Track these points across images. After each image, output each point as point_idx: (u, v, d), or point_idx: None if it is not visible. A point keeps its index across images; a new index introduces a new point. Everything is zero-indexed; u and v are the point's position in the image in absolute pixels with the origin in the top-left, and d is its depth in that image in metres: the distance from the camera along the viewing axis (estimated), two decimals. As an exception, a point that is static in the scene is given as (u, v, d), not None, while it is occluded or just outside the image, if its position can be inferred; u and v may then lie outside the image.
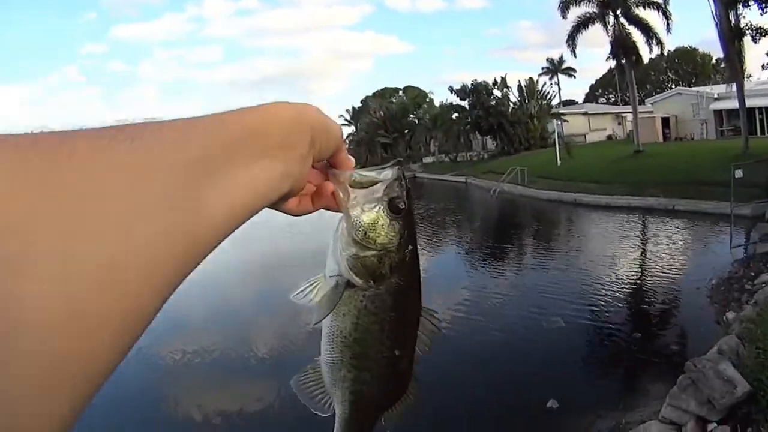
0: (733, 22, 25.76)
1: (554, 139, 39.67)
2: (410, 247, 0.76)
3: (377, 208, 0.72)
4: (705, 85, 52.88)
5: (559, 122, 49.36)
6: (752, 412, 5.74)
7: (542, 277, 14.53)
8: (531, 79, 55.94)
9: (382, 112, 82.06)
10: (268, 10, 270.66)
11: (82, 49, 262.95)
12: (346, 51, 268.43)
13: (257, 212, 0.56)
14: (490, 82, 54.86)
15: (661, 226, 19.82)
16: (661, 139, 45.21)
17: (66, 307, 0.35)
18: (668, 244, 16.49)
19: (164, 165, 0.43)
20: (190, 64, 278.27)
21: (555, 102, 60.04)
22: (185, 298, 12.24)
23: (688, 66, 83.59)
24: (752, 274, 11.38)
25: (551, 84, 62.00)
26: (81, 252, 0.36)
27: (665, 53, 40.23)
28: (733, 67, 27.74)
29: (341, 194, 0.72)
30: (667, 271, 13.61)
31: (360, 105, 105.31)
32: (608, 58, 34.79)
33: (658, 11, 31.43)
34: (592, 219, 23.47)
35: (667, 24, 31.31)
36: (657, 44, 32.61)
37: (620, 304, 11.67)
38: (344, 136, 0.73)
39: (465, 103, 56.27)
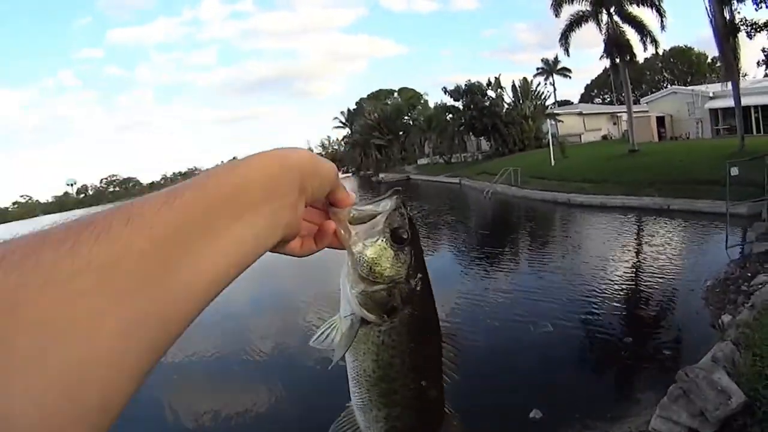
0: (728, 18, 25.32)
1: (549, 140, 39.22)
2: (419, 275, 0.76)
3: (379, 241, 0.73)
4: (701, 84, 52.63)
5: (554, 122, 48.87)
6: (748, 424, 5.32)
7: (531, 279, 14.06)
8: (525, 79, 55.63)
9: (376, 114, 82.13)
10: (263, 12, 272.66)
11: (78, 53, 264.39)
12: (341, 53, 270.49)
13: (248, 266, 0.57)
14: (485, 83, 54.55)
15: (656, 225, 19.40)
16: (656, 138, 45.04)
17: (39, 414, 0.36)
18: (662, 245, 15.99)
19: (131, 255, 0.44)
20: (186, 66, 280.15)
21: (550, 102, 59.85)
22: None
23: (683, 65, 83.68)
24: (749, 274, 10.87)
25: (545, 84, 61.74)
26: (53, 361, 0.37)
27: (660, 52, 39.95)
28: (728, 64, 27.32)
29: (343, 232, 0.73)
30: (661, 273, 13.13)
31: (355, 107, 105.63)
32: (602, 56, 34.18)
33: (652, 9, 30.97)
34: (585, 219, 23.10)
35: (662, 22, 30.89)
36: (651, 42, 31.99)
37: (611, 308, 11.15)
38: (338, 174, 0.72)
39: (459, 104, 55.86)
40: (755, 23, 23.11)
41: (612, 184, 25.40)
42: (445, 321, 10.39)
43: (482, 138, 58.70)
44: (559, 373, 8.52)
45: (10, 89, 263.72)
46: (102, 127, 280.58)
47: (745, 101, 31.39)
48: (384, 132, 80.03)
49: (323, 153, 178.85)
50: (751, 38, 23.88)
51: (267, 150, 0.62)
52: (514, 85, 55.07)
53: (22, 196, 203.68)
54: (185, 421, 8.67)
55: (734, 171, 13.98)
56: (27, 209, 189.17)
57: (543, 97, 55.88)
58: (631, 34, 32.32)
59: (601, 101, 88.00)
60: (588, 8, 32.85)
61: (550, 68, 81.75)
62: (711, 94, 43.36)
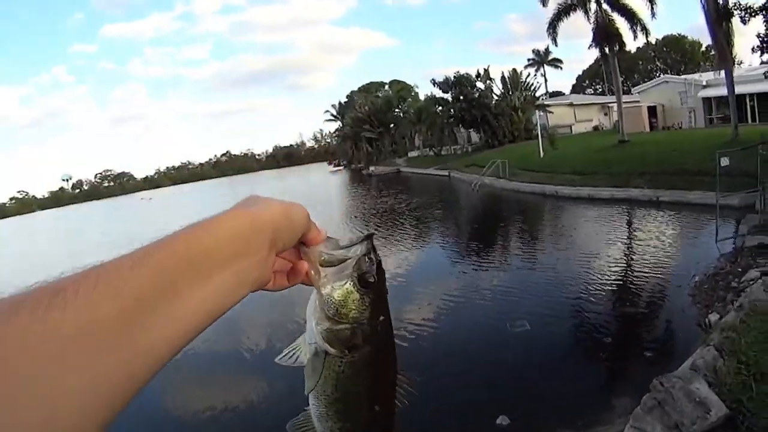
0: (720, 2, 24.57)
1: (538, 131, 38.66)
2: (382, 317, 0.80)
3: (347, 284, 0.76)
4: (695, 73, 51.89)
5: (543, 114, 48.26)
6: (729, 439, 4.78)
7: (510, 275, 13.71)
8: (515, 70, 54.92)
9: (367, 107, 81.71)
10: (255, 6, 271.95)
11: (72, 48, 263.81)
12: (333, 45, 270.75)
13: (218, 318, 0.59)
14: (474, 74, 53.90)
15: (644, 218, 18.94)
16: (647, 128, 44.51)
17: None
18: (649, 238, 15.38)
19: (98, 321, 0.46)
20: (179, 61, 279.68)
21: (541, 93, 59.29)
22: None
23: (677, 54, 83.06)
24: (739, 269, 10.22)
25: (536, 75, 61.03)
26: (23, 418, 0.40)
27: (651, 41, 39.38)
28: (721, 51, 26.52)
29: (313, 273, 0.76)
30: (647, 268, 12.57)
31: (346, 100, 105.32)
32: (591, 46, 33.42)
33: (642, -5, 30.27)
34: (571, 212, 22.65)
35: (652, 9, 30.23)
36: (642, 31, 31.31)
37: (593, 305, 10.57)
38: (308, 218, 0.75)
39: (448, 96, 55.20)
40: (749, 7, 22.25)
41: (601, 176, 24.99)
42: (420, 318, 10.86)
43: (472, 130, 58.08)
44: (532, 376, 8.03)
45: (6, 86, 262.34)
46: (96, 122, 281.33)
47: (740, 89, 30.81)
48: (375, 125, 79.55)
49: (316, 146, 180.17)
50: (745, 23, 22.99)
51: (239, 207, 0.64)
52: (503, 77, 54.49)
53: (18, 192, 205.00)
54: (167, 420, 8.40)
55: (724, 161, 13.43)
56: (24, 205, 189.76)
57: (533, 88, 55.22)
58: (621, 23, 31.74)
59: (593, 92, 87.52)
60: (576, -4, 32.18)
61: (541, 59, 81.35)
62: (704, 83, 42.83)
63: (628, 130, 33.95)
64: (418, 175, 55.93)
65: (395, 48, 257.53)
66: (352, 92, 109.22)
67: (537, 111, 47.64)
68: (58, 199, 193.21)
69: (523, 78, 55.30)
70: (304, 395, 0.84)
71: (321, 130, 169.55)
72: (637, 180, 22.29)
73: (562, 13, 33.11)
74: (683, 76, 48.29)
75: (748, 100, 37.82)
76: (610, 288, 11.54)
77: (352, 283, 0.75)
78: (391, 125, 79.73)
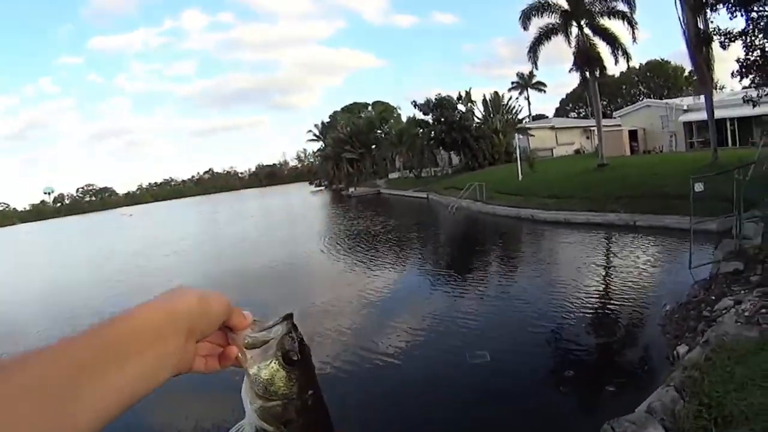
0: (701, 27, 24.20)
1: (517, 154, 38.18)
2: (311, 390, 0.83)
3: (272, 363, 0.79)
4: (677, 98, 51.89)
5: (522, 137, 47.91)
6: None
7: (474, 302, 12.96)
8: (496, 93, 54.63)
9: (348, 128, 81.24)
10: (244, 23, 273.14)
11: (58, 60, 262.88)
12: (320, 65, 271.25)
13: (140, 399, 0.63)
14: (455, 96, 53.52)
15: (619, 243, 18.48)
16: (628, 152, 44.57)
17: None
18: (623, 265, 14.77)
19: (29, 388, 0.52)
20: (166, 77, 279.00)
21: (523, 116, 59.07)
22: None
23: (659, 79, 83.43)
24: (712, 297, 9.57)
25: (517, 99, 60.84)
26: None
27: (632, 65, 39.25)
28: (701, 76, 26.43)
29: (240, 355, 0.80)
30: (618, 296, 12.00)
31: (329, 120, 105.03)
32: (571, 69, 33.40)
33: (624, 21, 30.30)
34: (546, 236, 22.21)
35: (633, 34, 30.22)
36: (623, 55, 31.36)
37: (558, 335, 10.05)
38: (228, 306, 0.78)
39: (429, 118, 54.66)
40: (729, 32, 21.92)
41: (577, 200, 24.55)
42: (379, 345, 10.39)
43: (452, 152, 57.63)
44: (485, 411, 7.52)
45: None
46: (80, 136, 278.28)
47: (720, 114, 30.93)
48: (356, 146, 79.03)
49: (299, 165, 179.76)
50: (724, 48, 22.64)
51: (156, 299, 0.68)
52: (485, 99, 54.30)
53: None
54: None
55: (699, 187, 12.71)
56: (4, 217, 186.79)
57: (514, 111, 55.01)
58: (602, 47, 31.74)
59: (576, 115, 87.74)
60: (558, 21, 32.05)
61: (525, 82, 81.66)
62: (685, 107, 43.09)
63: (609, 153, 33.69)
64: (397, 197, 55.48)
65: (382, 69, 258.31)
66: (335, 112, 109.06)
67: (517, 134, 47.30)
68: (39, 213, 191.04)
69: (505, 101, 55.18)
70: None
71: (304, 149, 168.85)
72: (614, 204, 21.84)
73: (543, 36, 32.86)
74: (665, 101, 48.57)
75: (728, 124, 38.02)
76: (577, 317, 10.91)
77: (277, 362, 0.78)
78: (373, 146, 79.37)
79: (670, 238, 17.07)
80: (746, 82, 22.16)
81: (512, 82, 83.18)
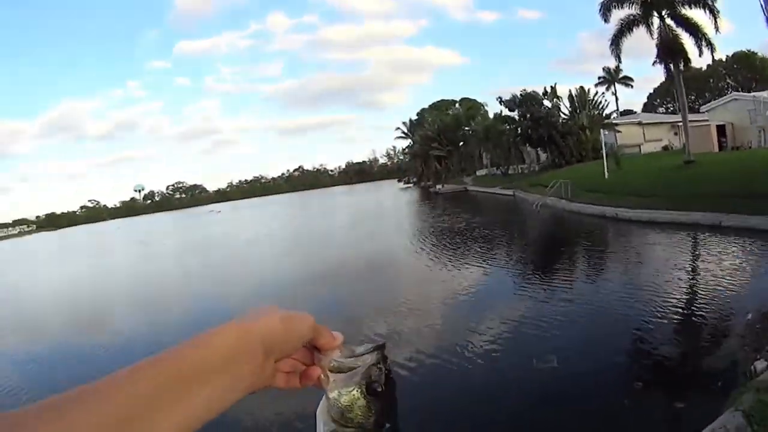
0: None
1: (603, 151, 37.93)
2: (388, 425, 0.83)
3: (354, 391, 0.79)
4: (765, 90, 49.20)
5: (608, 133, 47.30)
6: None
7: (548, 306, 12.87)
8: (582, 88, 54.04)
9: (436, 125, 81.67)
10: (329, 25, 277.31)
11: (146, 65, 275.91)
12: (407, 63, 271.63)
13: (216, 415, 0.64)
14: (541, 92, 53.52)
15: (703, 244, 17.90)
16: (716, 148, 42.59)
17: None
18: (704, 269, 14.42)
19: (98, 426, 0.51)
20: (253, 78, 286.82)
21: (610, 111, 57.76)
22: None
23: (747, 71, 79.24)
24: None
25: (603, 94, 59.41)
26: None
27: (717, 56, 37.65)
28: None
29: (323, 377, 0.80)
30: (697, 302, 11.61)
31: (417, 117, 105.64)
32: (655, 62, 32.78)
33: (705, 9, 29.46)
34: (629, 236, 21.82)
35: (715, 23, 29.30)
36: (707, 46, 30.44)
37: (630, 343, 9.83)
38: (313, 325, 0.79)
39: (515, 114, 54.80)
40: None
41: (662, 198, 23.99)
42: (447, 346, 10.45)
43: (539, 149, 57.44)
44: (545, 421, 7.42)
45: (81, 98, 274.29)
46: (169, 135, 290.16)
47: None
48: (443, 143, 79.48)
49: (388, 163, 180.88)
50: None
51: (237, 320, 0.69)
52: (570, 95, 53.82)
53: (90, 201, 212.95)
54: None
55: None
56: (95, 213, 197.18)
57: (601, 106, 54.00)
58: (685, 38, 30.95)
59: (664, 110, 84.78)
60: (638, 11, 31.61)
61: (611, 77, 79.67)
62: (774, 100, 40.67)
63: (698, 150, 32.83)
64: (483, 194, 55.78)
65: (467, 66, 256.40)
66: (422, 110, 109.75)
67: (603, 130, 46.74)
68: (129, 209, 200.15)
69: (591, 96, 54.29)
70: None
71: (393, 147, 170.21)
72: (700, 203, 21.27)
73: (624, 29, 32.45)
74: (752, 94, 45.94)
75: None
76: (653, 324, 10.48)
77: (359, 390, 0.79)
78: (460, 143, 79.53)
79: (759, 239, 16.29)
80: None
81: (599, 77, 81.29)
